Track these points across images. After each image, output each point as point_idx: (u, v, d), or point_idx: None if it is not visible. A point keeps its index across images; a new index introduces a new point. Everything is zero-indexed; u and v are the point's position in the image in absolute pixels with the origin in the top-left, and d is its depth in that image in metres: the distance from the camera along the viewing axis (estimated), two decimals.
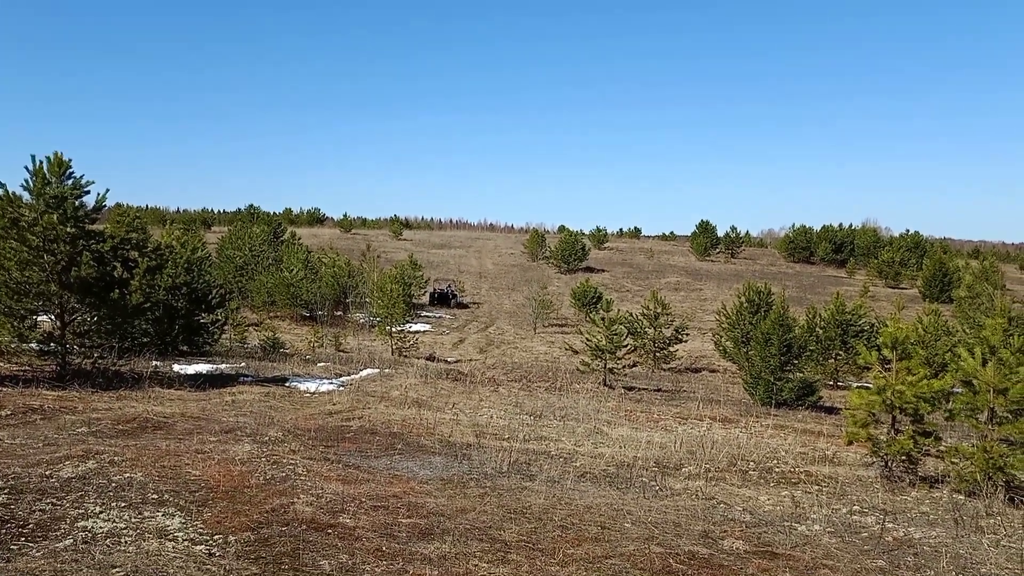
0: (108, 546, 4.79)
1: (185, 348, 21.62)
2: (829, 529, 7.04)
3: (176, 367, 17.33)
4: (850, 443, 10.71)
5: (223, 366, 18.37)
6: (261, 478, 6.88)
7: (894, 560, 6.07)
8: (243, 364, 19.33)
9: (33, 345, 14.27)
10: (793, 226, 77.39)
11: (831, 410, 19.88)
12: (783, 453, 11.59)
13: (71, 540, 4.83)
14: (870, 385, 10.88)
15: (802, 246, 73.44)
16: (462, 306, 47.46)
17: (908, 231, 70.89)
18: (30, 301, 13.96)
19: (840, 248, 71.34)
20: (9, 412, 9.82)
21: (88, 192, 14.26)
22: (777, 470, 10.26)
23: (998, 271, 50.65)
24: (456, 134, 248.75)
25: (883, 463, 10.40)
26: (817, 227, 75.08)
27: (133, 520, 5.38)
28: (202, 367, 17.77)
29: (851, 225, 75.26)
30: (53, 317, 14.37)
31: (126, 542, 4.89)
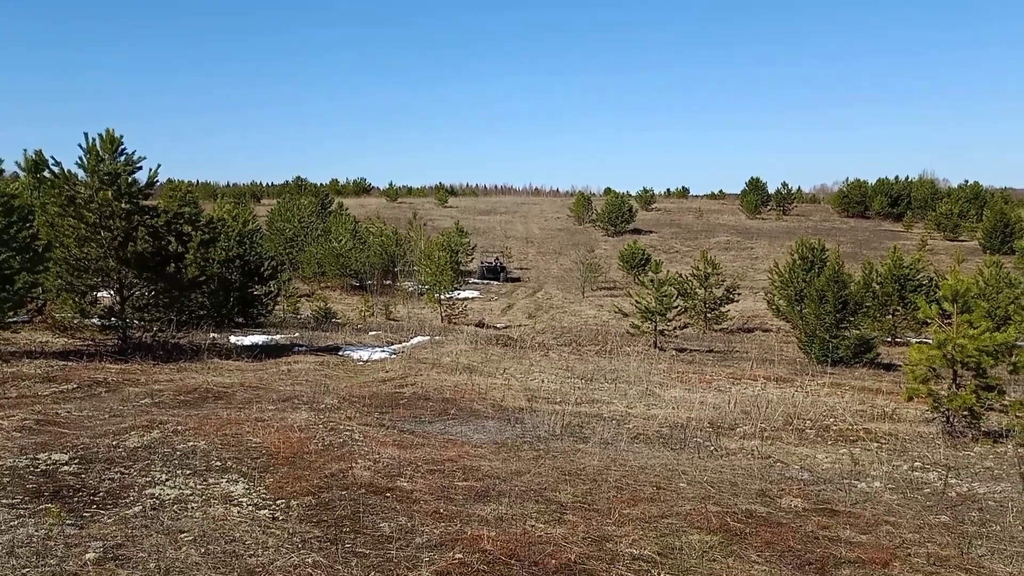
0: (176, 512, 4.94)
1: (240, 320, 22.08)
2: (890, 486, 6.92)
3: (233, 338, 17.72)
4: (910, 399, 10.47)
5: (278, 336, 18.73)
6: (319, 444, 7.01)
7: (958, 515, 5.95)
8: (297, 334, 19.68)
9: (95, 320, 14.71)
10: (847, 180, 75.51)
11: (889, 367, 19.47)
12: (840, 411, 11.40)
13: (140, 507, 4.99)
14: (930, 340, 10.60)
15: (856, 200, 71.56)
16: (513, 280, 46.02)
17: (967, 182, 68.37)
18: (89, 277, 14.35)
19: (896, 201, 69.34)
20: (75, 385, 10.16)
21: (140, 168, 14.54)
22: (835, 428, 10.11)
23: None
24: (499, 98, 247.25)
25: (944, 419, 10.16)
26: (872, 181, 73.01)
27: (198, 487, 5.53)
28: (258, 338, 18.15)
29: (907, 177, 72.98)
30: (112, 292, 14.77)
31: (193, 508, 5.04)
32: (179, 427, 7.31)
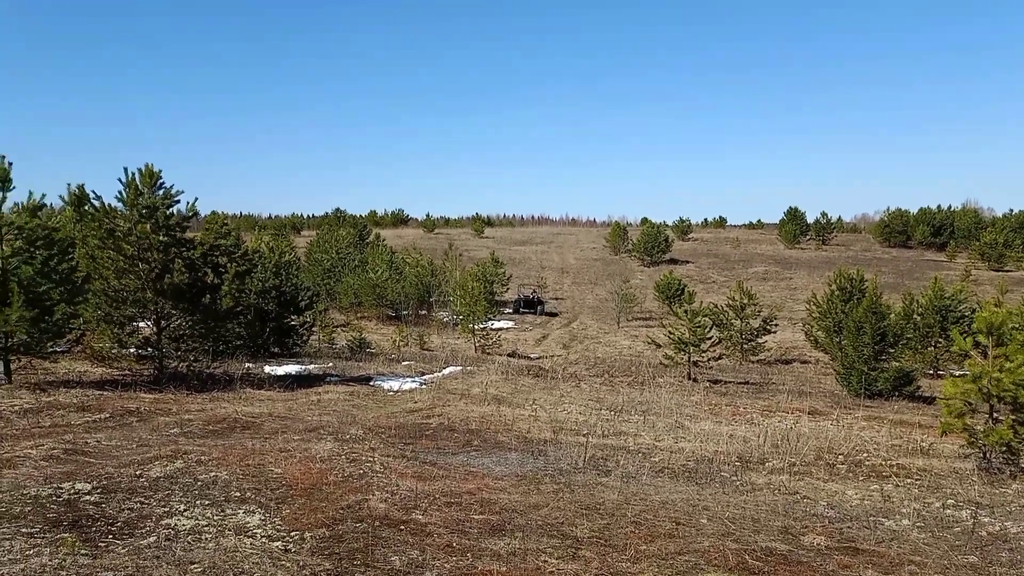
0: (189, 543, 4.99)
1: (276, 350, 22.35)
2: (919, 524, 6.73)
3: (267, 368, 17.93)
4: (944, 434, 10.20)
5: (311, 367, 18.90)
6: (339, 475, 7.05)
7: (987, 556, 5.76)
8: (330, 364, 19.85)
9: (132, 350, 15.01)
10: (888, 210, 74.34)
11: (930, 400, 18.99)
12: (874, 446, 11.14)
13: (155, 537, 5.06)
14: (968, 374, 10.34)
15: (898, 230, 70.38)
16: (550, 315, 44.24)
17: (1012, 211, 66.86)
18: (127, 308, 14.68)
19: (939, 231, 68.04)
20: (108, 414, 10.36)
21: (178, 201, 14.88)
22: (867, 463, 9.88)
23: None
24: (537, 130, 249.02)
25: (981, 454, 9.88)
26: (914, 210, 71.78)
27: (215, 518, 5.59)
28: (291, 368, 18.34)
29: (950, 207, 71.70)
30: (150, 323, 15.08)
31: (206, 539, 5.09)
32: (203, 457, 7.41)
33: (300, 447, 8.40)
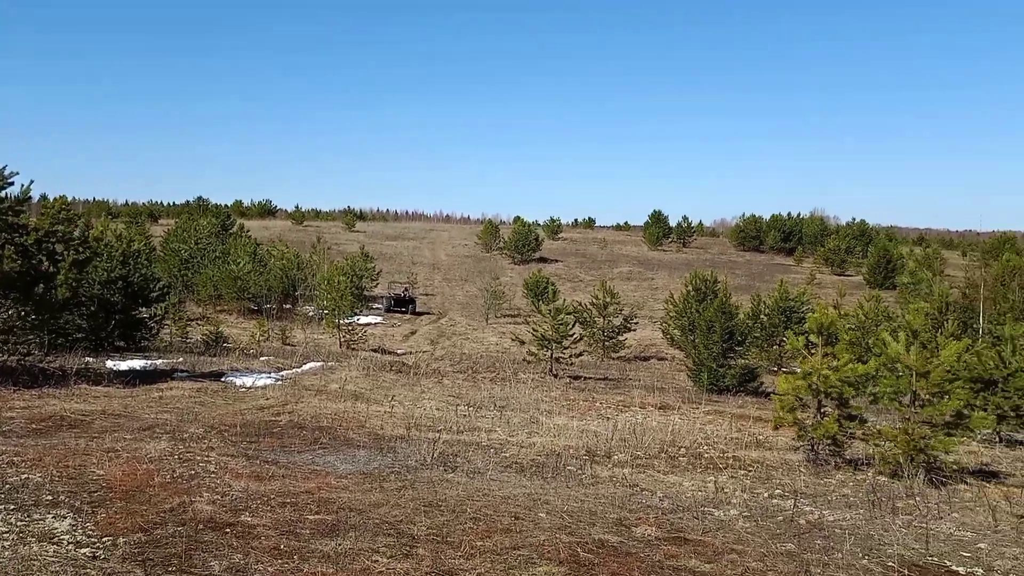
0: None
1: (122, 344, 21.06)
2: (745, 514, 7.08)
3: (109, 363, 16.87)
4: (777, 427, 10.82)
5: (159, 362, 17.94)
6: (167, 476, 6.68)
7: (803, 543, 6.11)
8: (181, 359, 18.91)
9: None
10: (743, 215, 78.69)
11: (771, 395, 20.12)
12: (715, 439, 11.67)
13: None
14: (800, 370, 11.01)
15: (752, 235, 74.54)
16: (422, 314, 42.96)
17: (854, 220, 72.51)
18: None
19: (789, 237, 72.57)
20: None
21: (12, 183, 13.77)
22: (706, 456, 10.33)
23: (940, 257, 52.01)
24: (412, 125, 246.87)
25: (810, 447, 10.53)
26: (767, 216, 76.33)
27: (18, 524, 5.16)
28: (137, 363, 17.35)
29: (799, 214, 76.73)
30: None
31: (3, 547, 4.68)
32: (16, 458, 6.85)
33: (129, 447, 7.92)
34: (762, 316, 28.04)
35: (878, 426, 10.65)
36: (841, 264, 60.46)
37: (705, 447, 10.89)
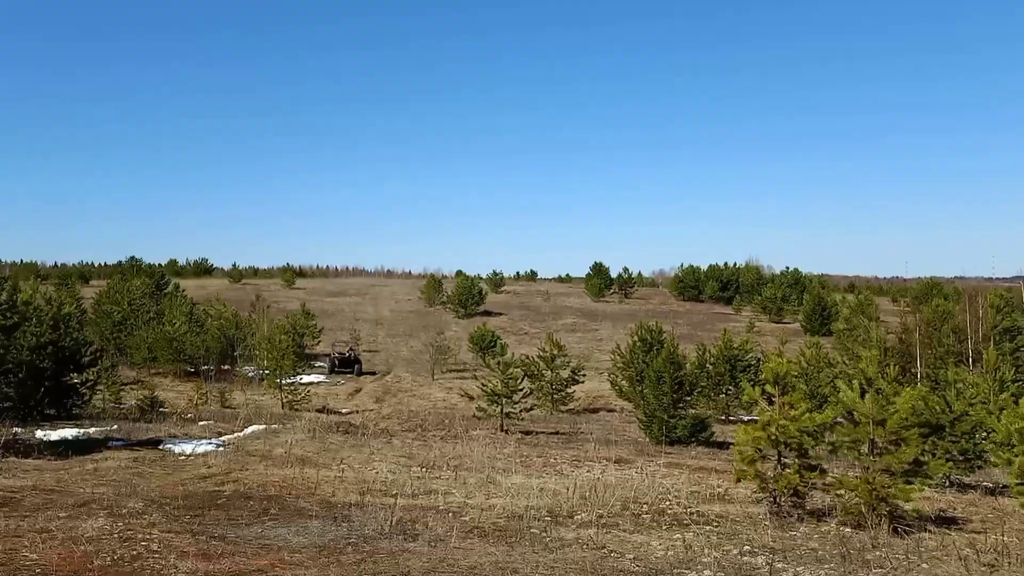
0: None
1: (52, 412, 20.01)
2: (720, 574, 6.87)
3: (40, 433, 15.99)
4: (739, 480, 10.70)
5: (92, 430, 17.06)
6: (108, 559, 6.18)
7: None
8: (115, 427, 18.03)
9: None
10: (682, 266, 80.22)
11: (723, 445, 20.14)
12: (675, 493, 11.50)
13: None
14: (757, 419, 10.96)
15: (691, 285, 75.85)
16: (368, 374, 41.51)
17: (788, 268, 74.40)
18: None
19: (727, 286, 74.03)
20: None
21: None
22: (670, 512, 10.13)
23: (872, 304, 53.49)
24: (351, 180, 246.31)
25: (772, 499, 10.41)
26: (704, 266, 77.91)
27: None
28: (68, 432, 16.45)
29: (735, 264, 78.42)
30: None
31: None
32: None
33: (64, 526, 7.35)
34: (708, 365, 28.28)
35: (839, 476, 10.62)
36: (779, 312, 61.83)
37: (667, 502, 10.70)
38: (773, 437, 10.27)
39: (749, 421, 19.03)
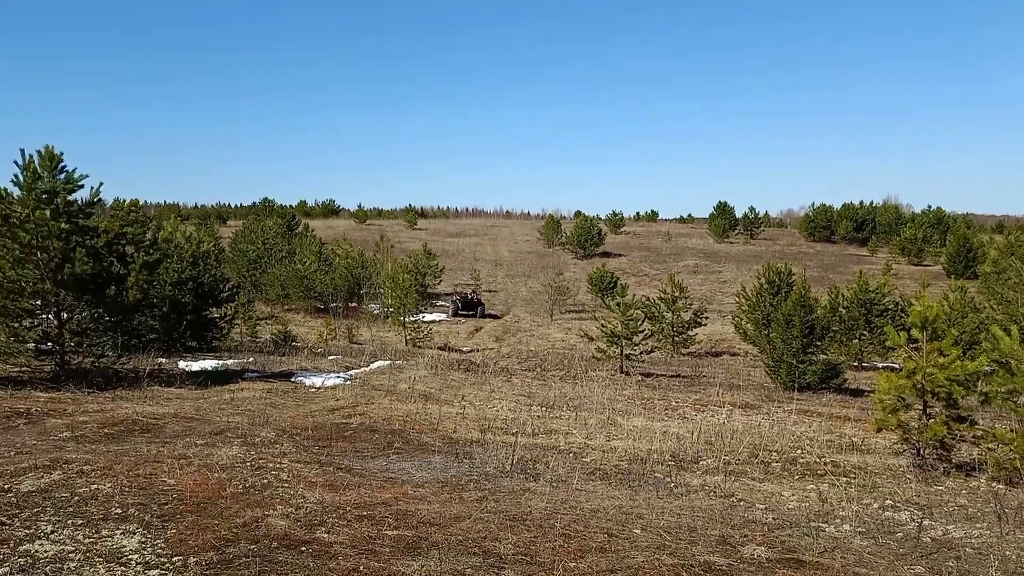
0: (47, 574, 4.28)
1: (193, 344, 21.24)
2: (860, 529, 6.42)
3: (181, 364, 16.94)
4: (879, 430, 10.04)
5: (230, 362, 17.93)
6: (240, 486, 6.37)
7: (934, 565, 5.45)
8: (251, 359, 18.90)
9: (30, 345, 13.89)
10: (813, 205, 76.38)
11: (857, 392, 19.15)
12: (808, 441, 10.95)
13: (6, 569, 4.32)
14: (896, 366, 10.22)
15: (822, 225, 72.25)
16: (492, 317, 40.83)
17: (930, 207, 69.34)
18: (26, 300, 13.58)
19: (861, 226, 70.07)
20: None
21: (82, 186, 13.81)
22: (802, 461, 9.64)
23: None
24: (472, 122, 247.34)
25: (915, 451, 9.74)
26: (837, 205, 73.82)
27: (86, 541, 4.87)
28: (208, 363, 17.35)
29: (872, 203, 73.87)
30: (51, 316, 13.98)
31: (69, 569, 4.38)
32: (86, 466, 6.62)
33: (201, 453, 7.67)
34: (840, 309, 26.82)
35: (989, 428, 9.79)
36: (918, 254, 58.03)
37: (799, 451, 10.18)
38: (919, 385, 9.54)
39: (884, 368, 17.98)
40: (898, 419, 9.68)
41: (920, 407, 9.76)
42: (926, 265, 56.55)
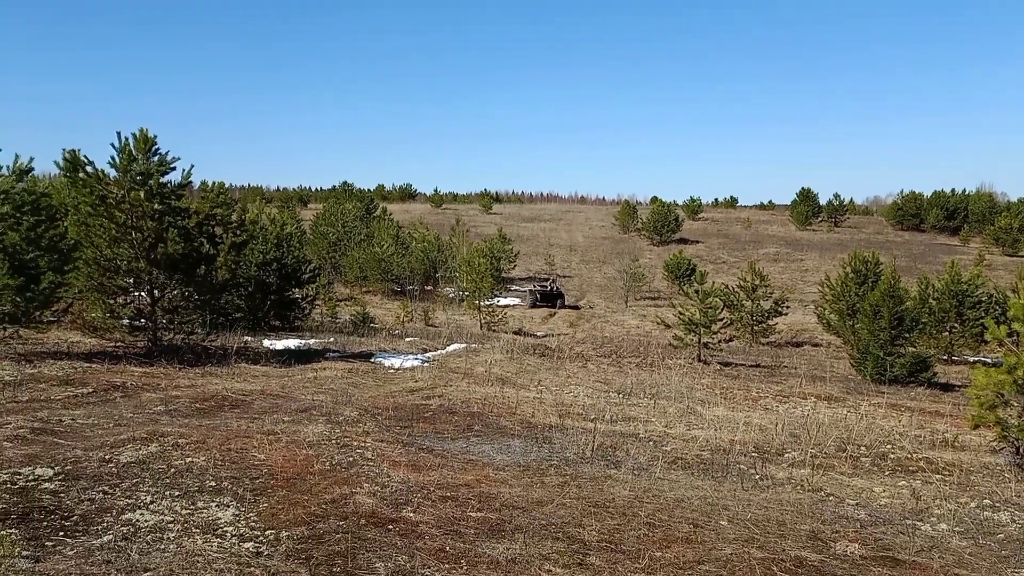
0: (148, 544, 4.44)
1: (277, 323, 21.84)
2: (958, 529, 6.16)
3: (266, 342, 17.40)
4: (976, 427, 9.60)
5: (311, 341, 18.36)
6: (327, 463, 6.50)
7: None
8: (332, 339, 19.31)
9: (124, 321, 14.49)
10: (901, 192, 73.40)
11: (947, 387, 18.40)
12: (898, 436, 10.55)
13: (110, 536, 4.51)
14: (989, 361, 9.73)
15: (911, 213, 69.42)
16: (572, 308, 39.25)
17: None
18: (120, 277, 14.16)
19: (953, 215, 67.06)
20: (91, 389, 9.83)
21: (174, 168, 14.30)
22: (892, 456, 9.30)
23: None
24: (547, 107, 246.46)
25: (1014, 449, 9.28)
26: (928, 193, 70.75)
27: (183, 512, 5.04)
28: (291, 342, 17.81)
29: (964, 191, 70.48)
30: (144, 293, 14.56)
31: (168, 539, 4.54)
32: (181, 440, 6.86)
33: (289, 429, 7.86)
34: (931, 300, 25.76)
35: None
36: (1014, 244, 55.18)
37: (888, 446, 9.82)
38: (1020, 381, 9.07)
39: (976, 362, 17.18)
40: (996, 416, 9.23)
41: (1021, 404, 9.29)
42: (1022, 256, 53.81)
